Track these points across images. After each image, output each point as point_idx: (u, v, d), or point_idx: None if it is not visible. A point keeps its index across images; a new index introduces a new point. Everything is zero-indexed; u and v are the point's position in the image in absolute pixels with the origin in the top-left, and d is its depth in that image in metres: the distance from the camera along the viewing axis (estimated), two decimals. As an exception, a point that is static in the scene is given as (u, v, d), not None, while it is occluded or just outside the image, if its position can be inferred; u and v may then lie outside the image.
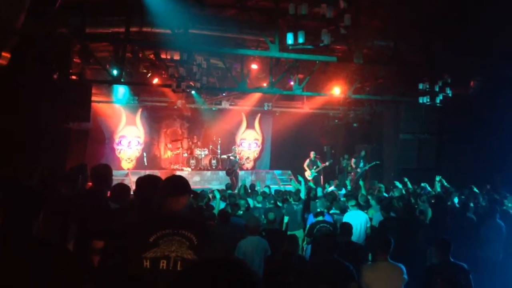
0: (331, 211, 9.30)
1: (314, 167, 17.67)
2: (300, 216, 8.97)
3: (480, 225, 8.17)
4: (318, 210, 8.61)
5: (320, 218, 8.07)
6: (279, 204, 10.21)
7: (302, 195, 9.78)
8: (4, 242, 2.85)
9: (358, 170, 17.55)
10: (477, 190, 11.45)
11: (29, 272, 2.78)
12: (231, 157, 18.29)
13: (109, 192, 5.43)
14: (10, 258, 2.80)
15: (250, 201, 10.19)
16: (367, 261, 6.46)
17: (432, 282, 5.38)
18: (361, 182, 12.19)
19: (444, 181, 12.17)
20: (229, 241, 6.88)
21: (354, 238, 7.53)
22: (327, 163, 18.02)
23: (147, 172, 17.75)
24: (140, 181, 4.14)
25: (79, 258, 3.37)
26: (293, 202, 9.47)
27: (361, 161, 17.85)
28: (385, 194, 11.13)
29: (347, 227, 6.82)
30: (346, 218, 8.42)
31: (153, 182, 4.13)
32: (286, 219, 9.10)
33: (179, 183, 3.38)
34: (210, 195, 10.55)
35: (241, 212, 8.66)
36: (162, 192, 3.34)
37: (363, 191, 10.96)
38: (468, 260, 5.76)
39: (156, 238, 3.10)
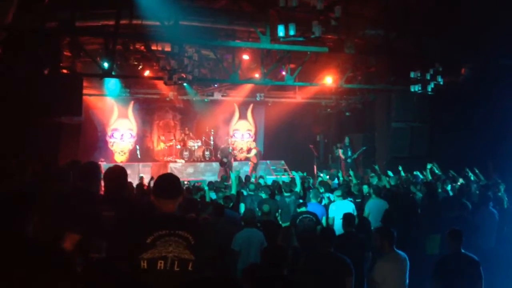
0: (324, 202, 9.34)
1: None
2: (293, 207, 9.00)
3: (474, 213, 8.22)
4: (301, 201, 8.67)
5: (303, 209, 8.10)
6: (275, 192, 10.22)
7: (298, 188, 9.80)
8: None
9: (348, 160, 17.65)
10: (471, 175, 11.48)
11: (23, 273, 2.78)
12: (223, 148, 18.36)
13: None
14: (2, 259, 2.81)
15: (244, 192, 10.22)
16: (369, 251, 6.47)
17: (444, 273, 5.44)
18: (351, 172, 12.22)
19: (435, 169, 12.22)
20: (223, 233, 6.90)
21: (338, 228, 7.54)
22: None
23: (141, 164, 17.79)
24: (107, 174, 4.14)
25: (71, 257, 3.37)
26: (285, 194, 9.49)
27: (348, 149, 17.95)
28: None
29: (351, 217, 6.84)
30: (332, 209, 8.48)
31: (120, 174, 4.15)
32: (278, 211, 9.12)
33: (172, 185, 3.37)
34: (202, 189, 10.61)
35: (232, 204, 8.67)
36: (154, 193, 3.34)
37: (354, 181, 11.01)
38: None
39: (153, 239, 3.12)
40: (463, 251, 5.50)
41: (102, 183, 4.35)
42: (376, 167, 13.43)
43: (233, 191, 9.42)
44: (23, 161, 8.89)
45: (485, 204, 8.25)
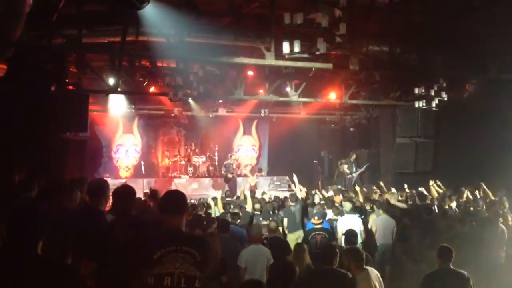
0: (328, 217, 9.31)
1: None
2: (299, 216, 9.00)
3: (481, 229, 8.16)
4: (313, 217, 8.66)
5: (313, 225, 8.08)
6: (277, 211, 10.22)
7: (298, 194, 9.80)
8: (8, 260, 2.86)
9: (353, 175, 17.63)
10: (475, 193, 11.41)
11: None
12: (226, 163, 18.31)
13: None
14: (13, 276, 2.81)
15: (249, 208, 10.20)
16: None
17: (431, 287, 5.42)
18: (357, 188, 12.19)
19: (436, 186, 12.14)
20: (227, 249, 6.88)
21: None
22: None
23: (145, 180, 17.79)
24: (116, 193, 4.17)
25: (80, 275, 3.37)
26: (290, 203, 9.49)
27: (353, 165, 17.93)
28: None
29: (352, 233, 6.81)
30: (341, 222, 8.44)
31: (129, 194, 4.17)
32: (285, 221, 9.12)
33: (178, 201, 3.40)
34: (207, 204, 10.60)
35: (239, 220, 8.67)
36: (161, 210, 3.37)
37: (361, 198, 10.98)
38: (470, 265, 5.75)
39: (160, 256, 3.12)
40: (452, 267, 5.47)
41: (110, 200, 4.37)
42: (381, 183, 13.37)
43: (248, 208, 9.48)
44: (28, 177, 8.90)
45: (495, 220, 8.16)
